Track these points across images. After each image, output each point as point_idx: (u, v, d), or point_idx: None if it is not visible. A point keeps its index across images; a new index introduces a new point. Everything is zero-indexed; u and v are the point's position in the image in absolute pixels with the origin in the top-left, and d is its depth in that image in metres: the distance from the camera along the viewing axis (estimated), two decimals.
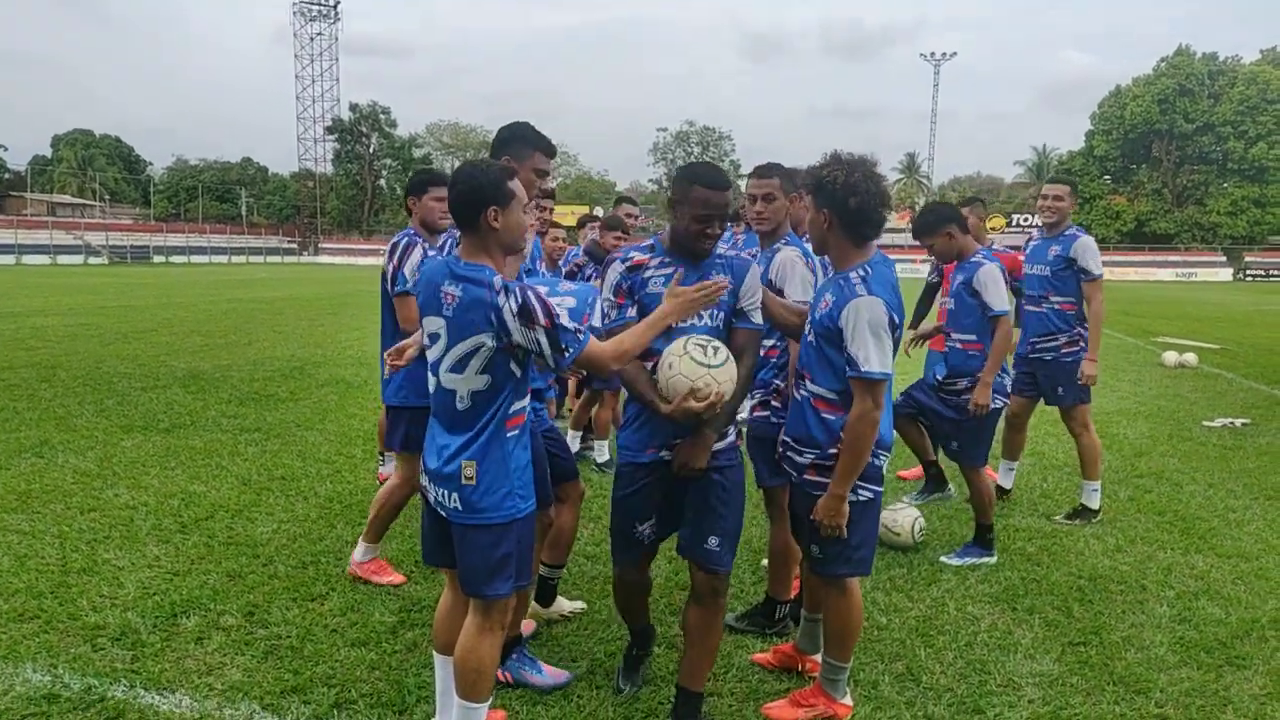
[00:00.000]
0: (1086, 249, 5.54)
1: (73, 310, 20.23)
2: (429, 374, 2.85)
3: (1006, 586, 4.58)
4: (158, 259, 71.15)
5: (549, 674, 3.54)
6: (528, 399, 2.85)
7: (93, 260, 64.83)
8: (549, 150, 3.54)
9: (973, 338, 4.95)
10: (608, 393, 6.85)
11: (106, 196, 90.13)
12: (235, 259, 75.85)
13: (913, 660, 3.76)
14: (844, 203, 3.09)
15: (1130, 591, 4.53)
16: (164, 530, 5.16)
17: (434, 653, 3.09)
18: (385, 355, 3.99)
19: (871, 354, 2.99)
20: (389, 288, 4.35)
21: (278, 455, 7.00)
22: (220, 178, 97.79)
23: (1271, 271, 69.36)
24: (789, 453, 3.29)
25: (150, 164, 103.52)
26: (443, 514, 2.82)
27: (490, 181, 2.74)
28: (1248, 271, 69.70)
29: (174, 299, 25.11)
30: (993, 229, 79.86)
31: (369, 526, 4.51)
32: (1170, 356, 13.58)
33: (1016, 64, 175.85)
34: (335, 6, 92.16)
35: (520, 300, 2.64)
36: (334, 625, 3.97)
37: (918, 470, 6.39)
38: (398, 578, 4.49)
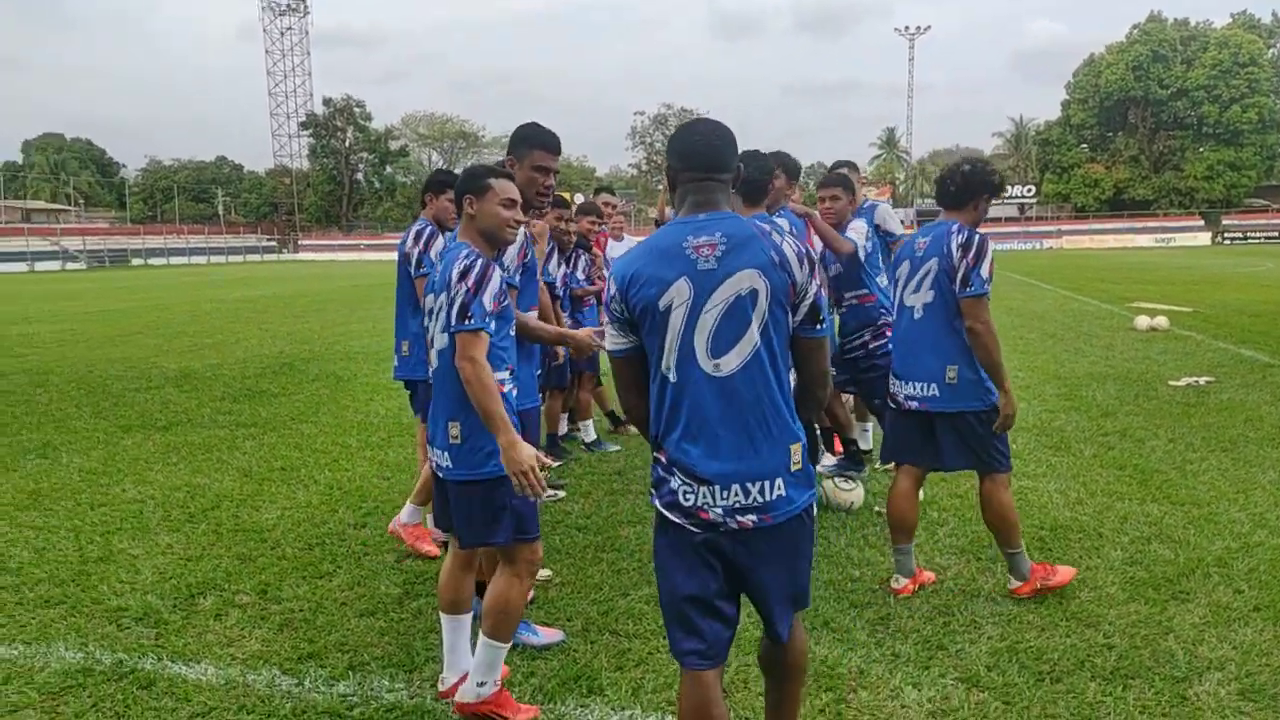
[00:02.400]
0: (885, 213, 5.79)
1: (56, 316, 20.30)
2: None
3: (973, 539, 4.88)
4: (136, 262, 70.73)
5: (544, 634, 3.80)
6: (506, 373, 3.09)
7: (70, 265, 64.46)
8: (549, 146, 3.68)
9: (866, 290, 5.52)
10: (586, 374, 7.12)
11: (81, 201, 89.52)
12: (214, 259, 75.55)
13: (883, 607, 4.05)
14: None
15: (1087, 539, 4.84)
16: (173, 520, 5.40)
17: (440, 614, 3.36)
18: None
19: None
20: (412, 269, 4.63)
21: (275, 448, 7.23)
22: (195, 177, 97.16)
23: (1249, 234, 70.16)
24: None
25: (124, 166, 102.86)
26: (439, 474, 3.12)
27: (470, 175, 3.16)
28: (1226, 234, 70.49)
29: (157, 301, 25.17)
30: None
31: (418, 488, 4.76)
32: (1142, 320, 13.93)
33: (990, 35, 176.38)
34: (304, 0, 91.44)
35: (466, 263, 2.96)
36: (343, 599, 4.23)
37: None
38: (433, 549, 4.68)
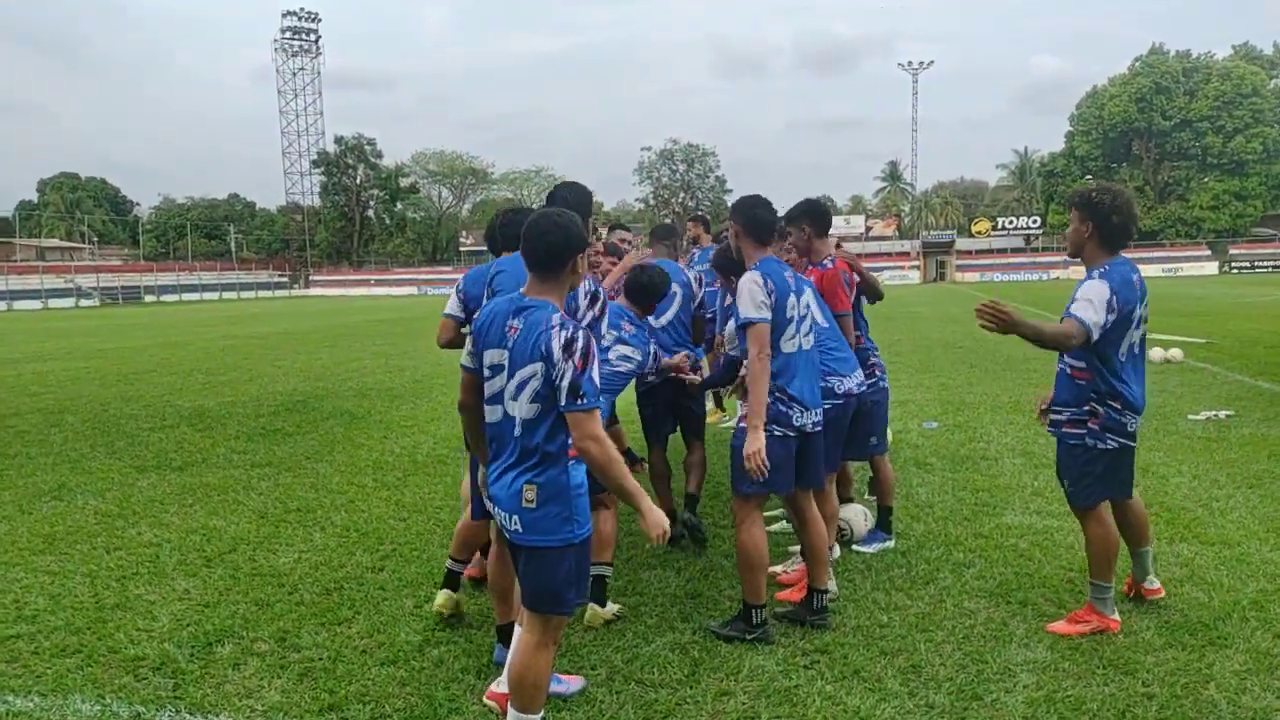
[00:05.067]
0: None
1: (71, 354, 20.39)
2: (486, 405, 3.06)
3: (1000, 582, 4.79)
4: (149, 298, 71.27)
5: (568, 681, 3.73)
6: None
7: (84, 303, 64.95)
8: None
9: (858, 332, 5.27)
10: None
11: (95, 239, 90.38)
12: (226, 295, 76.03)
13: (914, 654, 3.96)
14: (1107, 218, 4.03)
15: (1118, 580, 4.73)
16: (190, 564, 5.35)
17: (510, 710, 3.16)
18: None
19: (1083, 309, 3.97)
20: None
21: (290, 488, 7.19)
22: (208, 215, 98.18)
23: (1257, 263, 70.12)
24: (1052, 412, 4.27)
25: (137, 204, 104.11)
26: (506, 535, 3.05)
27: (579, 232, 3.03)
28: (1233, 264, 70.45)
29: (170, 338, 25.27)
30: (978, 232, 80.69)
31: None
32: (1156, 353, 13.82)
33: (993, 70, 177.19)
34: (316, 41, 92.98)
35: (570, 334, 2.86)
36: (363, 646, 4.16)
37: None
38: None
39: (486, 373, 3.05)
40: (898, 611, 4.43)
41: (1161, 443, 8.04)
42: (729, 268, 5.10)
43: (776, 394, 4.07)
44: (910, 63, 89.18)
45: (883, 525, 5.47)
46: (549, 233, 2.99)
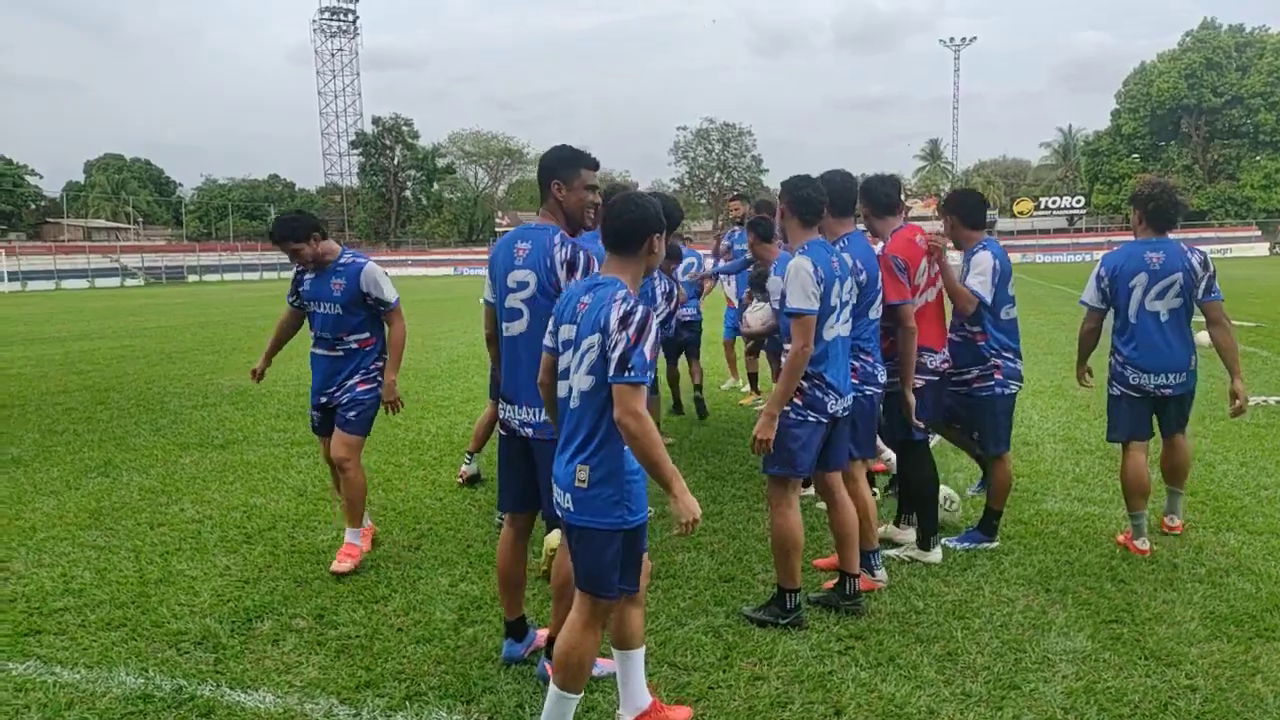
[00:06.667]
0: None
1: (116, 333, 20.80)
2: (560, 381, 3.10)
3: (1040, 569, 4.72)
4: (192, 278, 72.47)
5: (601, 664, 3.73)
6: None
7: (129, 282, 66.19)
8: (593, 164, 3.76)
9: (979, 328, 4.99)
10: None
11: (140, 219, 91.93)
12: (267, 274, 76.98)
13: (950, 642, 3.92)
14: (1144, 204, 4.90)
15: (1162, 570, 4.66)
16: (230, 541, 5.44)
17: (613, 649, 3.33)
18: None
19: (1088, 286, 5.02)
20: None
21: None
22: (249, 195, 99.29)
23: None
24: None
25: (180, 185, 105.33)
26: (559, 513, 3.08)
27: (656, 214, 3.07)
28: None
29: (212, 318, 25.68)
30: (1020, 212, 79.26)
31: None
32: (1204, 336, 13.46)
33: (1037, 46, 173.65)
34: (354, 22, 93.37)
35: (629, 308, 2.87)
36: (399, 624, 4.21)
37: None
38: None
39: (560, 349, 3.09)
40: (934, 598, 4.38)
41: (1208, 429, 7.86)
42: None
43: (815, 380, 4.04)
44: (952, 39, 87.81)
45: (984, 527, 5.11)
46: (626, 212, 3.06)
